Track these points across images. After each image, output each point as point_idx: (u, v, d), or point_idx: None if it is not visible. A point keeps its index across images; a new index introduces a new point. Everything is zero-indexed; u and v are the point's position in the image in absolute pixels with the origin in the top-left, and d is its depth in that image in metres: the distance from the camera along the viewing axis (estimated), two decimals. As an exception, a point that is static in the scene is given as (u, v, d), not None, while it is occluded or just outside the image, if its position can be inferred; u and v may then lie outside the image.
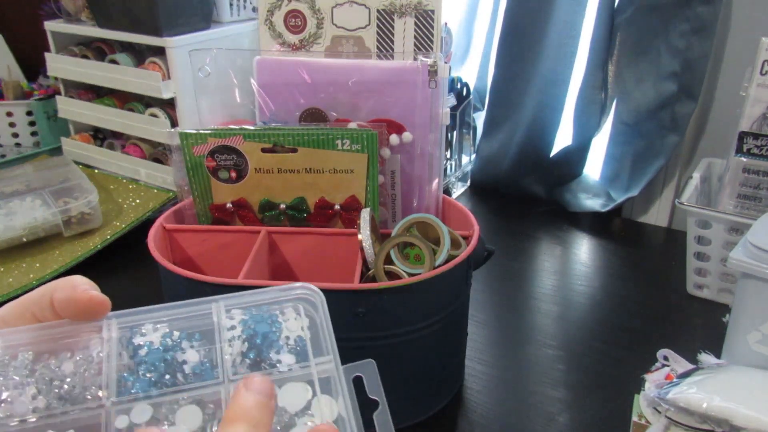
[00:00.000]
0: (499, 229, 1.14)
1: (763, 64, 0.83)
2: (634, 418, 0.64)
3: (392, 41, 0.78)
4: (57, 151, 1.28)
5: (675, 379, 0.66)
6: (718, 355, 0.72)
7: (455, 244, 0.71)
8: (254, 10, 1.14)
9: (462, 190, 1.28)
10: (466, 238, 0.73)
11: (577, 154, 1.17)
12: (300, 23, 0.79)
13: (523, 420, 0.70)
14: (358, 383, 0.32)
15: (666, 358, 0.72)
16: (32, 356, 0.31)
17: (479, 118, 1.29)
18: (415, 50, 0.77)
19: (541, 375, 0.77)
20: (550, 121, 1.17)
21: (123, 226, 1.02)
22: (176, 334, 0.32)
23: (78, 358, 0.31)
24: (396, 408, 0.35)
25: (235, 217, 0.77)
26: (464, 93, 1.18)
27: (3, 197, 1.02)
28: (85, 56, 1.15)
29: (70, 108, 1.20)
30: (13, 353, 0.31)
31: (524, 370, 0.78)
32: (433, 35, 0.77)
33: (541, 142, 1.18)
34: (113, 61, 1.11)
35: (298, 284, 0.34)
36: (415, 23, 0.77)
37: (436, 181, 0.79)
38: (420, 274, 0.63)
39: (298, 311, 0.34)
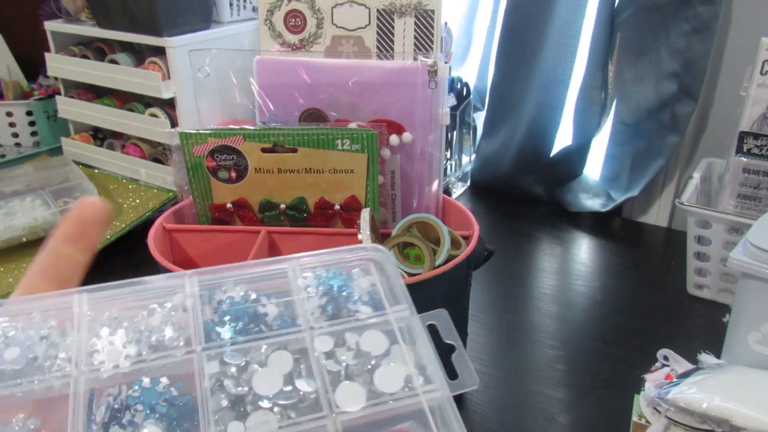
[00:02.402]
0: (499, 229, 1.14)
1: (763, 64, 0.83)
2: (634, 418, 0.64)
3: (392, 41, 0.78)
4: (57, 151, 1.28)
5: (675, 379, 0.65)
6: (718, 355, 0.72)
7: (455, 244, 0.71)
8: (254, 10, 1.14)
9: (462, 190, 1.28)
10: (466, 238, 0.73)
11: (577, 154, 1.17)
12: (300, 23, 0.79)
13: (523, 420, 0.70)
14: (432, 332, 0.33)
15: (666, 358, 0.72)
16: (117, 312, 0.32)
17: (479, 118, 1.29)
18: (415, 50, 0.77)
19: (541, 375, 0.77)
20: (550, 121, 1.17)
21: (123, 226, 1.02)
22: (253, 295, 0.33)
23: (163, 312, 0.32)
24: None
25: (235, 217, 0.77)
26: (464, 93, 1.18)
27: (3, 197, 1.02)
28: (85, 56, 1.15)
29: (70, 108, 1.20)
30: (99, 311, 0.32)
31: (524, 370, 0.78)
32: (433, 35, 0.77)
33: (541, 142, 1.18)
34: (113, 61, 1.11)
35: (363, 245, 0.36)
36: (415, 23, 0.77)
37: (436, 181, 0.79)
38: (420, 274, 0.63)
39: (368, 271, 0.35)
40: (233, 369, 0.30)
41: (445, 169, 1.19)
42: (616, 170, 1.15)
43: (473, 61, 1.32)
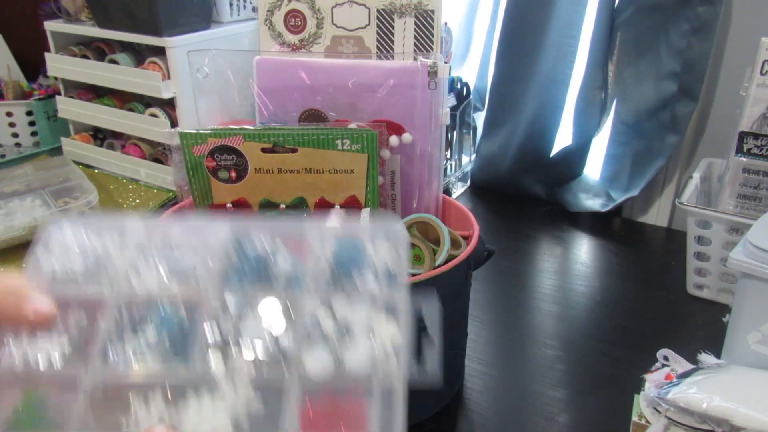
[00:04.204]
0: (499, 229, 1.14)
1: (763, 64, 0.83)
2: (634, 418, 0.64)
3: (392, 41, 0.78)
4: (57, 151, 1.28)
5: (675, 379, 0.66)
6: (718, 355, 0.72)
7: (455, 244, 0.71)
8: (254, 10, 1.14)
9: (462, 190, 1.28)
10: (466, 238, 0.73)
11: (577, 154, 1.17)
12: (300, 23, 0.79)
13: (523, 420, 0.70)
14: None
15: (666, 358, 0.72)
16: (163, 241, 0.40)
17: (479, 118, 1.29)
18: (415, 50, 0.77)
19: (541, 375, 0.77)
20: (550, 121, 1.17)
21: (123, 226, 1.02)
22: (278, 241, 0.39)
23: (197, 248, 0.39)
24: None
25: (235, 217, 0.77)
26: (464, 93, 1.18)
27: (3, 197, 1.02)
28: (85, 56, 1.15)
29: (70, 108, 1.20)
30: (152, 237, 0.40)
31: (524, 370, 0.78)
32: (433, 35, 0.77)
33: (541, 142, 1.18)
34: (113, 61, 1.11)
35: (387, 220, 0.41)
36: (415, 23, 0.76)
37: (436, 181, 0.79)
38: (420, 274, 0.63)
39: (383, 243, 0.40)
40: (230, 308, 0.36)
41: (445, 169, 1.19)
42: (616, 170, 1.15)
43: (473, 61, 1.32)
